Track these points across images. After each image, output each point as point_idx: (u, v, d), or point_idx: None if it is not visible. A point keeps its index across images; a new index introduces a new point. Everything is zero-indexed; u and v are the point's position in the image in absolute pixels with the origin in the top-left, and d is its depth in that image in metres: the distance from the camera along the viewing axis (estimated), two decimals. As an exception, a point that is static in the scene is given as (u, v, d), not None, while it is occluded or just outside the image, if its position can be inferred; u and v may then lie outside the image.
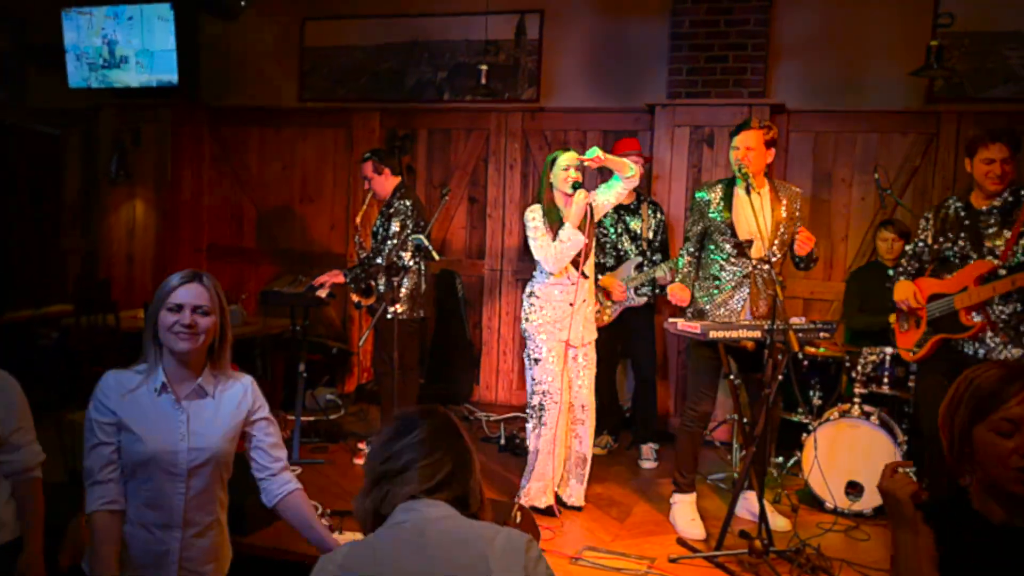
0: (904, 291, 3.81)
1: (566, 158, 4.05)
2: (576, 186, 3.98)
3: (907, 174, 5.45)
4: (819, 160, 5.68)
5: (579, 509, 4.22)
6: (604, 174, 4.63)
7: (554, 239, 3.99)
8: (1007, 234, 3.59)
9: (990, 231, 3.65)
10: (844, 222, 5.67)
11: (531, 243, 4.07)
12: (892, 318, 4.07)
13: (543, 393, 4.05)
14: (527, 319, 4.12)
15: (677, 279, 4.11)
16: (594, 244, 4.18)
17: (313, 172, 6.88)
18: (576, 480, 4.22)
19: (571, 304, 4.03)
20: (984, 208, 3.68)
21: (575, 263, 4.05)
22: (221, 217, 7.16)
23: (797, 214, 3.99)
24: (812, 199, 5.65)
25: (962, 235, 3.71)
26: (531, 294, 4.14)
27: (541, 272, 4.11)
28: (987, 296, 3.58)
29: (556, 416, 4.03)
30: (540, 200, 4.10)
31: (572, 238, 3.94)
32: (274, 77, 6.89)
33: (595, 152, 3.92)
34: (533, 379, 4.10)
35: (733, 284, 3.91)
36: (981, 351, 3.67)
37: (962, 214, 3.73)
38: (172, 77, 6.51)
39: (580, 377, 4.13)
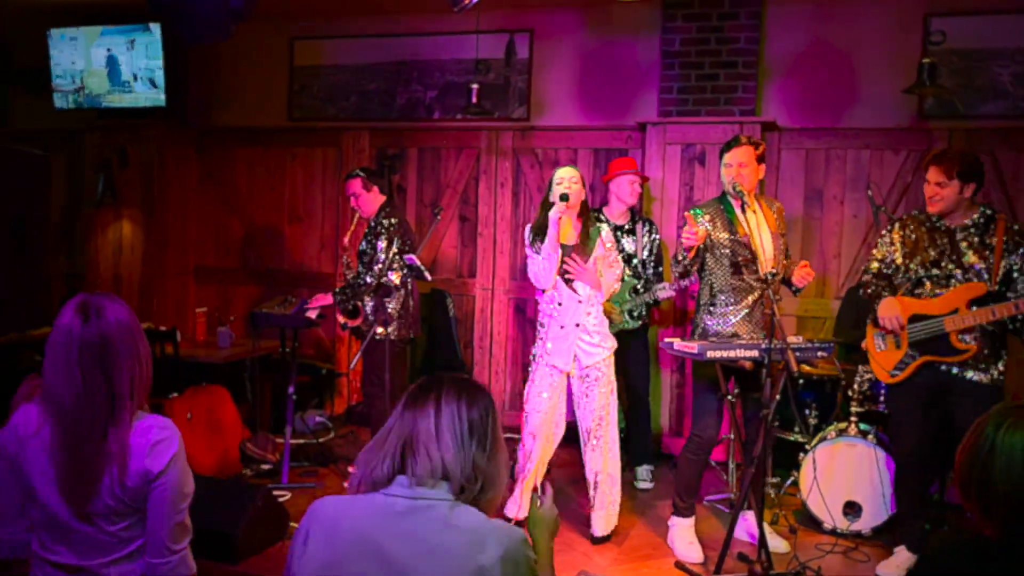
0: (890, 308, 3.67)
1: (562, 172, 4.05)
2: (562, 197, 3.93)
3: (899, 191, 5.44)
4: (810, 178, 5.67)
5: (603, 540, 4.10)
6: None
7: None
8: (989, 255, 3.54)
9: (968, 250, 3.58)
10: (836, 240, 5.65)
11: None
12: (866, 341, 3.93)
13: (525, 412, 4.13)
14: (537, 340, 4.16)
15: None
16: (598, 267, 4.07)
17: (302, 192, 6.83)
18: (597, 507, 4.12)
19: (561, 327, 4.02)
20: (957, 226, 3.62)
21: (568, 282, 4.01)
22: (209, 238, 7.09)
23: (783, 229, 3.97)
24: (803, 216, 5.63)
25: (942, 254, 3.62)
26: (539, 317, 4.17)
27: (539, 292, 4.12)
28: (985, 319, 3.49)
29: (528, 435, 4.09)
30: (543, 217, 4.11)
31: (547, 255, 3.94)
32: (263, 97, 6.84)
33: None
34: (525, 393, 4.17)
35: (749, 308, 3.84)
36: (969, 372, 3.58)
37: (935, 232, 3.65)
38: (160, 97, 6.45)
39: (583, 401, 4.06)
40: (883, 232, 3.85)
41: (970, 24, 5.22)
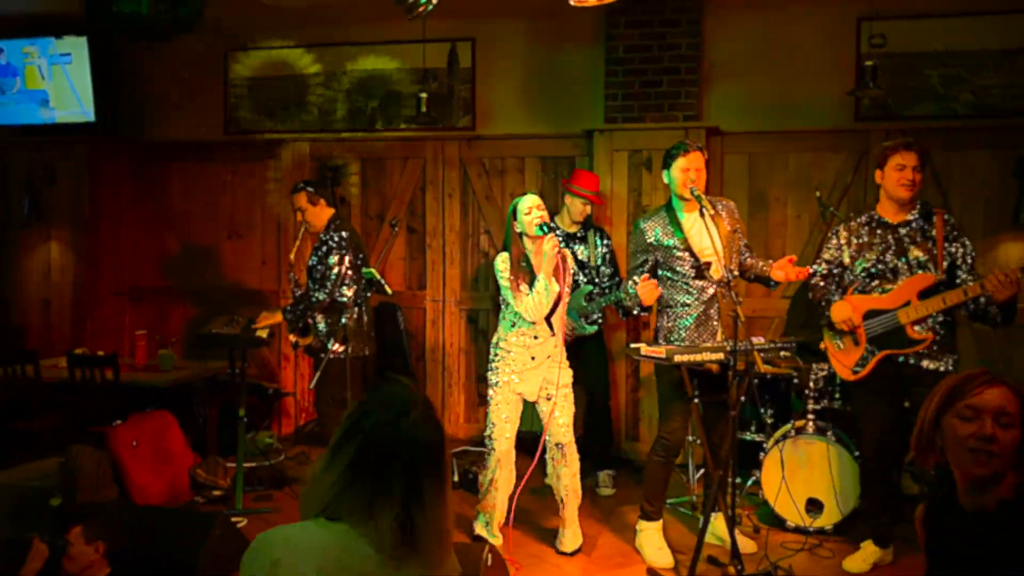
0: (843, 311, 3.77)
1: (527, 201, 3.92)
2: (544, 228, 3.83)
3: (840, 191, 5.57)
4: (754, 180, 5.76)
5: (573, 552, 4.07)
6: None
7: (530, 289, 3.86)
8: (932, 248, 3.68)
9: (912, 245, 3.71)
10: (780, 240, 5.75)
11: (504, 294, 3.96)
12: (824, 342, 4.00)
13: (488, 437, 4.06)
14: (490, 367, 4.06)
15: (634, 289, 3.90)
16: (566, 296, 4.02)
17: (241, 207, 6.64)
18: (568, 523, 4.09)
19: (532, 358, 3.96)
20: (899, 222, 3.75)
21: (547, 317, 3.93)
22: (144, 257, 6.83)
23: (738, 225, 4.02)
24: (748, 218, 5.70)
25: (887, 250, 3.75)
26: (496, 343, 4.05)
27: (503, 321, 4.02)
28: (936, 308, 3.61)
29: (495, 461, 4.03)
30: (507, 249, 3.96)
31: (546, 290, 3.80)
32: (197, 110, 6.64)
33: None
34: (487, 419, 4.08)
35: (703, 307, 3.88)
36: (925, 361, 3.69)
37: (879, 230, 3.78)
38: (88, 112, 6.21)
39: (552, 418, 4.01)
40: (829, 235, 3.96)
41: (901, 28, 5.38)
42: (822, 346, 3.98)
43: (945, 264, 3.69)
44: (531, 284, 3.87)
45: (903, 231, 3.74)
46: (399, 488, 1.52)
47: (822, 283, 3.91)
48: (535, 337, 3.95)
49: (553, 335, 3.97)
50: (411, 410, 1.59)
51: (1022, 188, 5.21)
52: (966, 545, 1.85)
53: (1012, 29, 5.28)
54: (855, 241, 3.83)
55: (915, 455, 1.94)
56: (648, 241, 3.94)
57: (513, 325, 3.96)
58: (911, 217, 3.75)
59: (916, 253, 3.70)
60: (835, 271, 3.90)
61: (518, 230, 3.94)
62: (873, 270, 3.76)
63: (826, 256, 3.92)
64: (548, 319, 3.93)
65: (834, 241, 3.90)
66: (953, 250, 3.70)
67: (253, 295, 6.55)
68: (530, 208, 3.89)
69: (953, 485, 1.91)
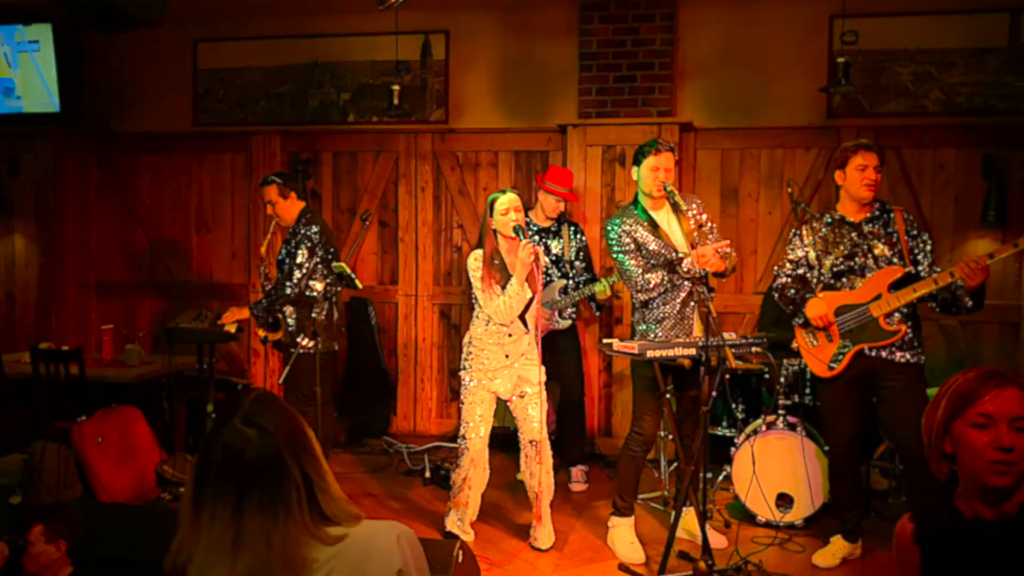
0: (818, 307, 3.77)
1: (505, 200, 3.87)
2: (518, 230, 3.80)
3: (812, 188, 5.60)
4: (726, 176, 5.77)
5: (543, 550, 4.05)
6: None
7: (502, 290, 3.83)
8: (896, 242, 3.73)
9: (876, 241, 3.76)
10: (752, 236, 5.77)
11: (476, 293, 3.94)
12: (797, 341, 4.02)
13: (462, 436, 4.03)
14: (463, 365, 4.04)
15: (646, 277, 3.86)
16: (540, 296, 4.00)
17: (210, 200, 6.55)
18: (544, 520, 4.07)
19: (507, 356, 3.95)
20: (862, 220, 3.80)
21: (520, 315, 3.92)
22: (111, 250, 6.72)
23: (705, 219, 3.95)
24: (720, 214, 5.73)
25: (854, 248, 3.77)
26: (469, 341, 4.03)
27: (477, 319, 3.99)
28: (908, 299, 3.64)
29: (468, 460, 4.01)
30: (482, 245, 3.93)
31: (518, 295, 3.78)
32: (166, 101, 6.54)
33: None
34: (460, 417, 4.06)
35: (680, 305, 3.88)
36: (897, 353, 3.72)
37: (843, 229, 3.81)
38: (53, 103, 6.09)
39: (526, 415, 4.00)
40: (792, 237, 3.98)
41: (873, 25, 5.42)
42: (794, 345, 3.99)
43: (910, 257, 3.73)
44: (504, 283, 3.84)
45: (867, 228, 3.78)
46: (246, 510, 1.38)
47: (790, 283, 3.92)
48: (509, 335, 3.93)
49: (527, 332, 3.95)
50: (224, 426, 1.43)
51: (990, 186, 5.26)
52: (986, 556, 1.71)
53: (981, 29, 5.33)
54: (819, 240, 3.85)
55: (929, 463, 1.81)
56: (632, 237, 3.90)
57: (487, 323, 3.94)
58: (871, 215, 3.80)
59: (881, 249, 3.74)
60: (801, 271, 3.91)
61: (493, 227, 3.91)
62: (840, 268, 3.79)
63: (791, 257, 3.93)
64: (522, 316, 3.91)
65: (798, 242, 3.92)
66: (914, 245, 3.76)
67: (222, 289, 6.48)
68: (507, 208, 3.86)
69: (945, 494, 1.79)
